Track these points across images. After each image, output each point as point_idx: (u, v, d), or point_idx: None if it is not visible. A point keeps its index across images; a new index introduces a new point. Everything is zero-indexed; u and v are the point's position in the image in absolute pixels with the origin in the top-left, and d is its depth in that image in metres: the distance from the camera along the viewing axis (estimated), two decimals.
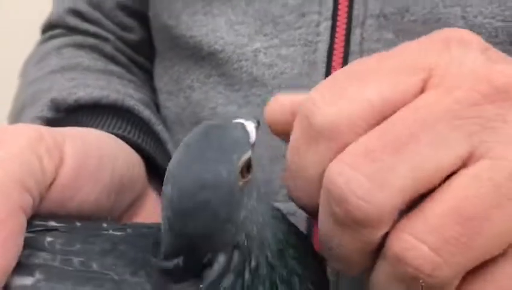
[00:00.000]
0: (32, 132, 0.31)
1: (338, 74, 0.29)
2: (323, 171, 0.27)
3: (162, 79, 0.50)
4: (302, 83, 0.42)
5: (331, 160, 0.27)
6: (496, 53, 0.28)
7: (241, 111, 0.44)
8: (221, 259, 0.27)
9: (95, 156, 0.33)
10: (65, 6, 0.54)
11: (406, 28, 0.39)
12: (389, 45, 0.40)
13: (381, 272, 0.28)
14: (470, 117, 0.26)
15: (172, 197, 0.27)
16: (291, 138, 0.29)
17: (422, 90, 0.27)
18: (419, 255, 0.26)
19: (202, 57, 0.45)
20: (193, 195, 0.26)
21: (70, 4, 0.54)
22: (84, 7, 0.53)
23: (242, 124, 0.30)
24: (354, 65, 0.29)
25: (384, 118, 0.27)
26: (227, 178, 0.27)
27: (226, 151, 0.27)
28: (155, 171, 0.41)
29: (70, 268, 0.28)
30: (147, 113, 0.43)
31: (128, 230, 0.31)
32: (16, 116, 0.47)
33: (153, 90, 0.51)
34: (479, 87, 0.27)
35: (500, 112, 0.26)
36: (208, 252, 0.27)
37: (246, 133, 0.29)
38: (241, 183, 0.27)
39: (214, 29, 0.44)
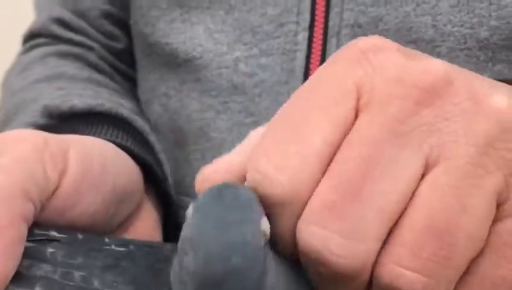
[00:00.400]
0: (36, 137, 0.30)
1: (274, 129, 0.27)
2: (295, 233, 0.27)
3: (140, 88, 0.50)
4: (281, 90, 0.43)
5: (296, 221, 0.26)
6: (409, 50, 0.28)
7: (220, 117, 0.44)
8: None
9: (99, 165, 0.32)
10: (49, 15, 0.54)
11: (380, 36, 0.41)
12: None
13: None
14: (412, 129, 0.26)
15: (197, 267, 0.24)
16: None
17: (357, 114, 0.26)
18: (408, 280, 0.26)
19: (178, 64, 0.46)
20: (222, 261, 0.24)
21: (55, 13, 0.54)
22: (68, 16, 0.53)
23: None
24: (286, 112, 0.28)
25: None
26: (254, 239, 0.25)
27: (245, 211, 0.25)
28: (150, 182, 0.40)
29: (71, 283, 0.28)
30: (140, 122, 0.43)
31: (131, 247, 0.30)
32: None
33: (137, 99, 0.51)
34: (410, 95, 0.26)
35: (438, 112, 0.26)
36: None
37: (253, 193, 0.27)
38: (263, 242, 0.25)
39: (192, 37, 0.45)
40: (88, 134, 0.39)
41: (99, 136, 0.39)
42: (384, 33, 0.41)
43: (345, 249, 0.25)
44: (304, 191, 0.26)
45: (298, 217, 0.26)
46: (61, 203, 0.31)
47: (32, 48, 0.54)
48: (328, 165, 0.26)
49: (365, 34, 0.40)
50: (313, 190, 0.26)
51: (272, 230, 0.26)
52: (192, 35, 0.45)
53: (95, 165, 0.32)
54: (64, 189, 0.31)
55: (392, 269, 0.26)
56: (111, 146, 0.37)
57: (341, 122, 0.26)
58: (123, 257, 0.29)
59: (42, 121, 0.41)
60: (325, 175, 0.26)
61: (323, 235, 0.25)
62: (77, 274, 0.28)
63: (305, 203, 0.26)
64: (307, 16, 0.42)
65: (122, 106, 0.44)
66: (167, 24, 0.46)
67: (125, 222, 0.36)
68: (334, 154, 0.26)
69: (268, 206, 0.27)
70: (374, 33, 0.40)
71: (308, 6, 0.42)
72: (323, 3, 0.42)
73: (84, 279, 0.28)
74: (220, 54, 0.44)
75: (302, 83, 0.42)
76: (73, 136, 0.34)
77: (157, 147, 0.43)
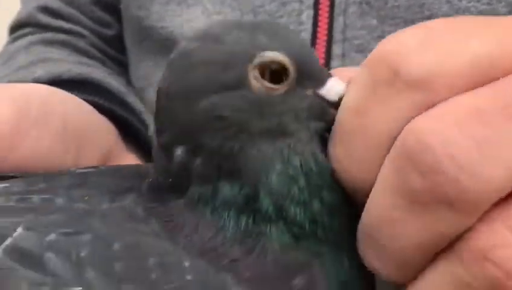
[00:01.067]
0: None
1: (430, 22, 0.23)
2: (399, 129, 0.22)
3: (133, 75, 0.49)
4: None
5: (414, 117, 0.22)
6: None
7: None
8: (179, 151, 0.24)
9: (38, 103, 0.31)
10: (36, 4, 0.52)
11: (389, 13, 0.39)
12: (373, 31, 0.39)
13: (441, 278, 0.22)
14: None
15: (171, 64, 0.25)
16: (349, 94, 0.23)
17: None
18: None
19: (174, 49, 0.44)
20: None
21: (41, 2, 0.52)
22: (56, 4, 0.52)
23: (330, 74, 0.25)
24: (449, 19, 0.24)
25: (490, 80, 0.21)
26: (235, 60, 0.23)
27: (257, 36, 0.23)
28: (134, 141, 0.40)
29: (22, 205, 0.25)
30: (115, 84, 0.41)
31: (102, 167, 0.29)
32: None
33: (128, 83, 0.49)
34: None
35: None
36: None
37: (319, 68, 0.25)
38: (258, 87, 0.23)
39: (189, 20, 0.43)
40: None
41: None
42: (394, 10, 0.38)
43: (475, 164, 0.20)
44: (443, 86, 0.21)
45: (419, 110, 0.21)
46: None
47: (18, 37, 0.52)
48: (481, 81, 0.22)
49: (374, 11, 0.39)
50: (453, 93, 0.21)
51: (365, 120, 0.22)
52: (188, 17, 0.43)
53: (33, 104, 0.31)
54: None
55: (498, 231, 0.20)
56: (66, 93, 0.35)
57: (509, 50, 0.22)
58: (92, 174, 0.27)
59: None
60: (485, 86, 0.21)
61: (454, 137, 0.20)
62: (37, 197, 0.25)
63: (435, 101, 0.21)
64: None
65: (98, 74, 0.43)
66: (162, 6, 0.44)
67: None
68: (490, 77, 0.22)
69: (385, 88, 0.22)
70: (383, 10, 0.39)
71: None
72: None
73: (44, 200, 0.25)
74: None
75: None
76: (8, 84, 0.33)
77: (138, 107, 0.42)
